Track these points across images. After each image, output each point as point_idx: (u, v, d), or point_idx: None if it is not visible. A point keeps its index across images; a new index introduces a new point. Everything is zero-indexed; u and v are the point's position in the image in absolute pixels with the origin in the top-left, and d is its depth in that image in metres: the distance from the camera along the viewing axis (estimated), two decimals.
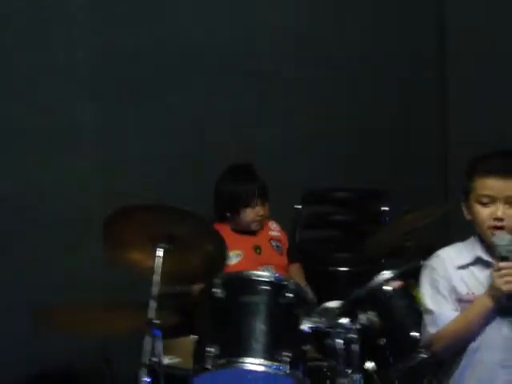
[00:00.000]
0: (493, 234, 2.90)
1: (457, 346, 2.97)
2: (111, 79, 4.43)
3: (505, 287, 2.83)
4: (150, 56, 4.53)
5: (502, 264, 2.84)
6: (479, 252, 2.99)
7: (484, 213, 2.93)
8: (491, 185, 2.92)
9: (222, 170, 4.24)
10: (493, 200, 2.91)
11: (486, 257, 2.98)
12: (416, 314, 3.42)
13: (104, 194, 4.36)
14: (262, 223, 4.19)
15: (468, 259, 3.01)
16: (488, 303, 2.89)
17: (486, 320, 2.91)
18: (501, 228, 2.90)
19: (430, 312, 3.01)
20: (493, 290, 2.87)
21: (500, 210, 2.90)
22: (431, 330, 2.99)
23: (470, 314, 2.94)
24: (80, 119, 4.35)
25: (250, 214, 4.10)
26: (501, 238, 2.88)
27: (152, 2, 4.57)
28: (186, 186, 4.54)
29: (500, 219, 2.90)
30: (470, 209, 2.99)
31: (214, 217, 4.16)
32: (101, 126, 4.42)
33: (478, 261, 2.99)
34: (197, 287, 3.82)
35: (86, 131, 4.38)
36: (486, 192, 2.92)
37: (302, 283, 4.11)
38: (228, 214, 4.13)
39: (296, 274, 4.25)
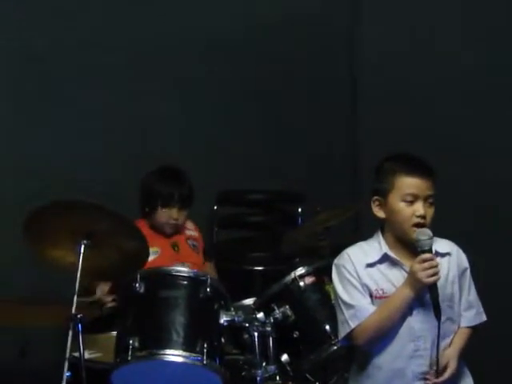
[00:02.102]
0: (414, 231, 3.01)
1: (379, 336, 3.05)
2: (26, 76, 4.51)
3: (427, 280, 2.94)
4: (70, 55, 4.62)
5: (424, 256, 2.96)
6: (386, 250, 3.09)
7: (408, 210, 3.01)
8: (415, 184, 3.02)
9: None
10: (415, 198, 3.02)
11: (392, 255, 3.08)
12: (328, 308, 3.56)
13: (17, 192, 4.42)
14: (178, 228, 4.20)
15: (375, 257, 3.09)
16: (410, 294, 2.99)
17: (406, 310, 3.02)
18: (423, 225, 3.01)
19: (349, 306, 3.05)
20: (414, 282, 2.97)
21: (422, 208, 3.02)
22: (353, 323, 3.04)
23: (391, 306, 3.02)
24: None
25: (165, 215, 4.10)
26: (422, 233, 2.99)
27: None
28: (99, 184, 4.59)
29: (424, 217, 3.01)
30: (386, 207, 3.07)
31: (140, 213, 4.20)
32: (12, 123, 4.47)
33: (385, 259, 3.09)
34: (99, 290, 3.90)
35: (4, 129, 4.44)
36: (411, 191, 3.01)
37: None
38: (146, 209, 4.14)
39: (210, 272, 4.29)
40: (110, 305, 3.81)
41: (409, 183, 3.03)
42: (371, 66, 5.14)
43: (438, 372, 3.02)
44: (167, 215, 4.11)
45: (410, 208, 3.02)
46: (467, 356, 3.17)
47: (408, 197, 3.03)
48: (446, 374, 3.04)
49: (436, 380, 3.03)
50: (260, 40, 5.16)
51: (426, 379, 3.04)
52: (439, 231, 3.10)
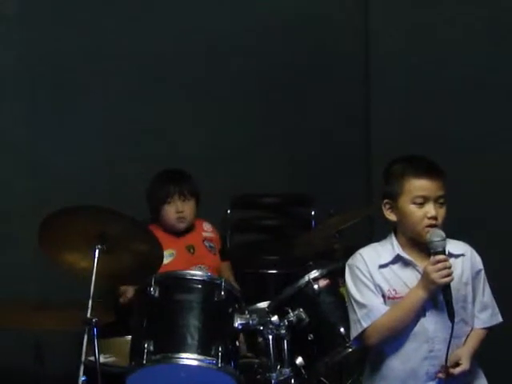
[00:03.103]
0: (427, 232, 3.01)
1: (391, 337, 3.06)
2: (37, 81, 4.54)
3: (441, 281, 2.95)
4: (76, 60, 4.64)
5: (438, 257, 2.97)
6: (399, 251, 3.10)
7: (419, 213, 3.02)
8: (424, 186, 3.02)
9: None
10: (426, 200, 3.02)
11: (405, 255, 3.09)
12: (342, 310, 3.54)
13: (28, 195, 4.45)
14: (191, 223, 4.22)
15: (388, 258, 3.11)
16: (423, 295, 3.00)
17: (419, 312, 3.03)
18: (435, 226, 3.01)
19: (362, 306, 3.07)
20: (428, 284, 2.98)
21: (433, 209, 3.02)
22: (365, 323, 3.06)
23: (404, 306, 3.03)
24: (4, 120, 4.44)
25: (170, 211, 4.13)
26: (435, 234, 2.99)
27: (77, 7, 4.66)
28: (110, 188, 4.64)
29: (435, 218, 3.01)
30: (397, 210, 3.08)
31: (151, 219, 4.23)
32: (25, 127, 4.50)
33: (397, 259, 3.10)
34: (124, 289, 3.92)
35: (9, 132, 4.46)
36: (421, 193, 3.02)
37: (231, 280, 4.23)
38: (154, 214, 4.18)
39: (226, 272, 4.35)
40: None
41: (418, 186, 3.04)
42: (385, 67, 5.13)
43: (447, 367, 3.01)
44: (172, 210, 4.14)
45: (421, 210, 3.03)
46: (482, 359, 3.17)
47: (418, 199, 3.03)
48: (456, 371, 3.02)
49: (447, 372, 3.02)
50: (273, 40, 5.17)
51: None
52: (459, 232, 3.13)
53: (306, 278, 3.71)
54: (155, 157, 4.77)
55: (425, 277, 3.00)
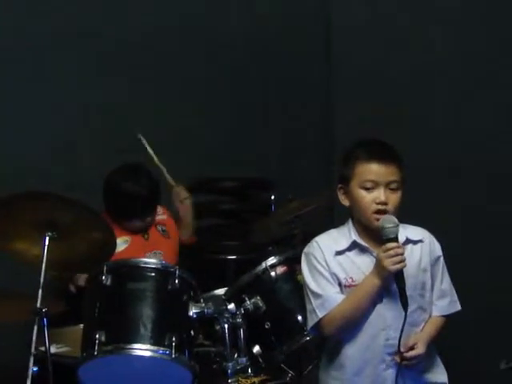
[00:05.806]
0: (377, 219, 2.95)
1: (347, 326, 3.01)
2: None
3: (393, 267, 2.90)
4: (40, 42, 4.56)
5: (389, 244, 2.91)
6: (355, 237, 3.05)
7: (368, 198, 2.96)
8: (374, 170, 2.96)
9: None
10: (376, 185, 2.96)
11: (361, 242, 3.04)
12: (299, 298, 3.48)
13: None
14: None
15: (344, 245, 3.05)
16: (377, 282, 2.95)
17: (375, 299, 2.98)
18: (384, 212, 2.95)
19: (317, 296, 3.02)
20: (381, 270, 2.93)
21: (383, 194, 2.96)
22: (320, 313, 3.01)
23: (359, 294, 2.98)
24: None
25: (137, 225, 4.08)
26: (387, 221, 2.93)
27: None
28: (71, 175, 4.57)
29: (384, 203, 2.95)
30: (349, 195, 3.03)
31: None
32: None
33: (354, 246, 3.05)
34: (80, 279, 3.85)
35: None
36: (370, 177, 2.96)
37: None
38: (115, 215, 4.06)
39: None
40: None
41: (367, 170, 2.98)
42: (347, 55, 5.12)
43: (401, 352, 2.97)
44: (139, 224, 4.09)
45: (371, 195, 2.97)
46: (441, 347, 3.14)
47: (367, 183, 2.97)
48: (410, 354, 2.98)
49: (401, 357, 2.98)
50: (236, 31, 5.16)
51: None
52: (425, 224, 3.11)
53: (263, 264, 3.70)
54: (113, 140, 4.70)
55: (377, 263, 2.95)
